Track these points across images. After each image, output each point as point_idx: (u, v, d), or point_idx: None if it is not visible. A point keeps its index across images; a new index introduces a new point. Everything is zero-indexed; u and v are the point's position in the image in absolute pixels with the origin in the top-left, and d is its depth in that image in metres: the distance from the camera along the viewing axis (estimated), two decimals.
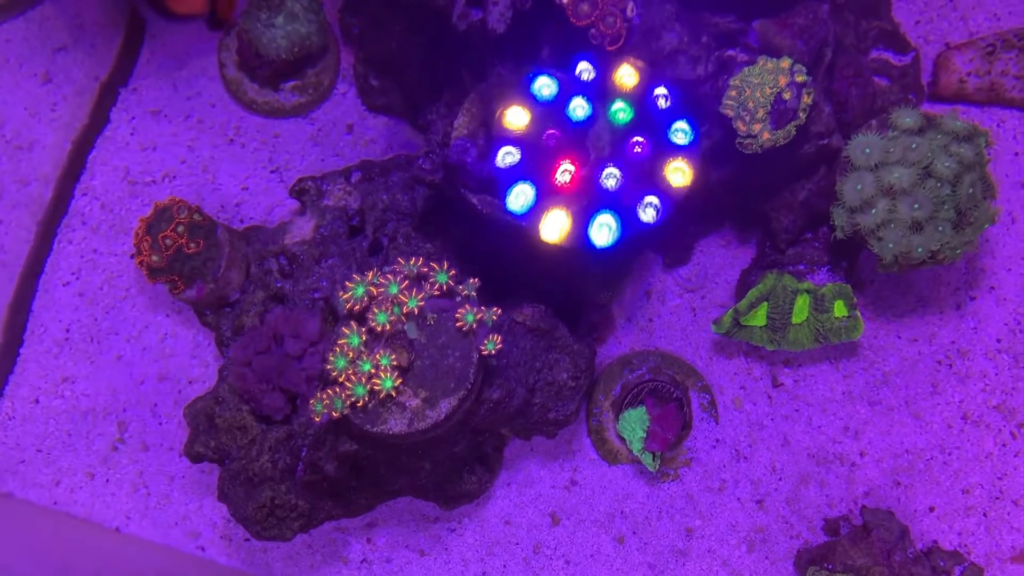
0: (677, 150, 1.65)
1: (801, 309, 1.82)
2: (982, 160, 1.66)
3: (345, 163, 1.99)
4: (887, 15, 1.97)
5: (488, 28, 1.38)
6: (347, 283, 1.49)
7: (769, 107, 1.54)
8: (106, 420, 1.89)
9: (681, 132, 1.64)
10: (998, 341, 1.88)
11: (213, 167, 1.99)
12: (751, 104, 1.55)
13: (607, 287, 1.95)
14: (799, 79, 1.54)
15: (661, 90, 1.66)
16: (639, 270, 1.99)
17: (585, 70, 1.65)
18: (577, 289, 1.91)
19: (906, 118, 1.67)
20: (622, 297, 1.98)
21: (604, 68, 1.66)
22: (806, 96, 1.56)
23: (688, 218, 1.92)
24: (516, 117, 1.61)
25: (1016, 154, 1.94)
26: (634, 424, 1.81)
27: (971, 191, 1.64)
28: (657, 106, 1.65)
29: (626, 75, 1.65)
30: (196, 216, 1.75)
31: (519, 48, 1.43)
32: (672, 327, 1.95)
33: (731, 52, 1.61)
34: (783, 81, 1.54)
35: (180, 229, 1.73)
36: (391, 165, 1.87)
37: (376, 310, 1.48)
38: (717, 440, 1.87)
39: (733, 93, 1.57)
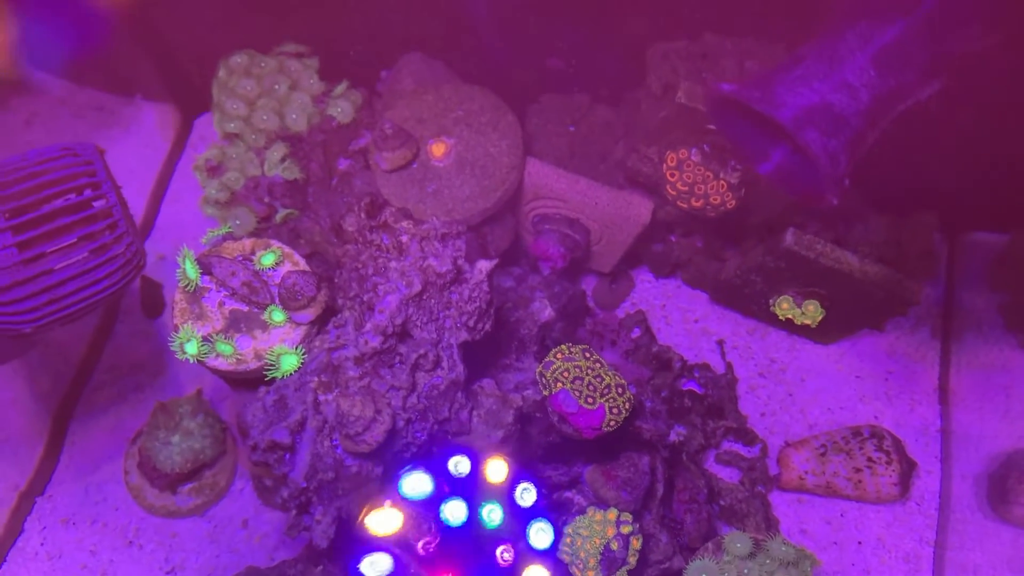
0: (535, 555, 1.76)
1: None
2: None
3: (239, 559, 2.12)
4: (733, 412, 2.18)
5: (313, 543, 1.55)
6: None
7: (599, 556, 1.69)
8: None
9: (542, 533, 1.75)
10: None
11: (112, 571, 2.10)
12: (582, 554, 1.69)
13: None
14: (625, 530, 1.70)
15: (525, 484, 1.73)
16: None
17: (460, 462, 1.76)
18: None
19: (737, 543, 1.81)
20: None
21: (477, 461, 1.71)
22: (635, 541, 1.71)
23: None
24: (385, 521, 1.64)
25: (859, 543, 2.08)
26: None
27: None
28: (519, 502, 1.71)
29: (495, 470, 1.71)
30: None
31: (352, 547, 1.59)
32: None
33: (568, 494, 1.78)
34: (611, 532, 1.70)
35: None
36: (274, 574, 1.99)
37: None
38: None
39: (568, 540, 1.72)
